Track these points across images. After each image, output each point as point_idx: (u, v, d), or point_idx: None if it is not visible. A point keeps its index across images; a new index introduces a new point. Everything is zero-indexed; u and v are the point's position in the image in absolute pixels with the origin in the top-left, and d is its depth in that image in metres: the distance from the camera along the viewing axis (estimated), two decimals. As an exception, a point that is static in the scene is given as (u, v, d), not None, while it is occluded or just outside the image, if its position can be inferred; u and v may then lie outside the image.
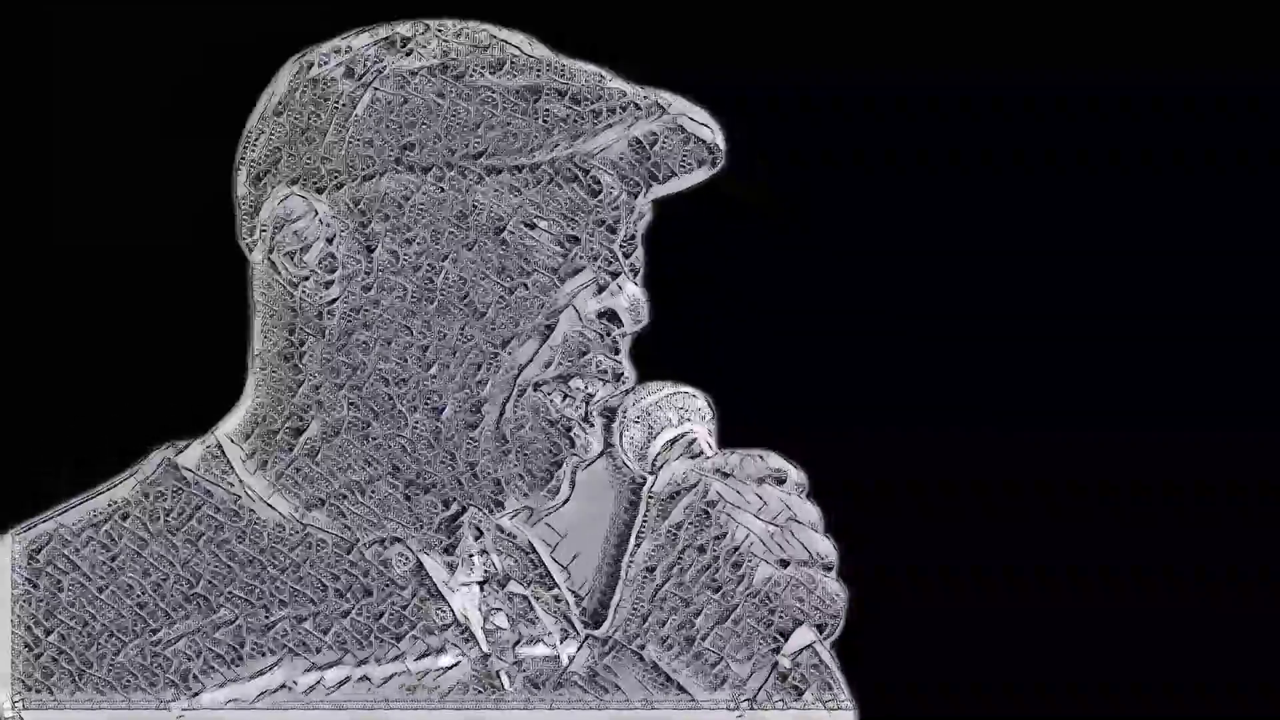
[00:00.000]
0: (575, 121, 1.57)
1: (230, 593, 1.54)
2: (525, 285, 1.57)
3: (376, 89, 1.57)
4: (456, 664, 1.57)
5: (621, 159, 1.58)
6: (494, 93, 1.57)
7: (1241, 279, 2.12)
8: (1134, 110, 2.11)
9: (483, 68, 1.58)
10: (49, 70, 2.00)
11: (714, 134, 1.61)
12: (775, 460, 1.60)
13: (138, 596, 1.52)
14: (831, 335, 2.06)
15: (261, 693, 1.52)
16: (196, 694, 1.51)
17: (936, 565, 2.06)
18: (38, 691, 1.50)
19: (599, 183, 1.58)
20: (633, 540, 1.58)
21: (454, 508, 1.59)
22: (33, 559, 1.53)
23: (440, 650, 1.57)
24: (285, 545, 1.57)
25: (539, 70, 1.58)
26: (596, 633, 1.57)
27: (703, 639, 1.54)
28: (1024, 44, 2.11)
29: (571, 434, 1.59)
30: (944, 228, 2.09)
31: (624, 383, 1.61)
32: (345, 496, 1.59)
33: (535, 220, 1.57)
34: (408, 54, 1.58)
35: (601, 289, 1.58)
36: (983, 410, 2.09)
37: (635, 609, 1.55)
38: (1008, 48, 2.11)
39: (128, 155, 1.98)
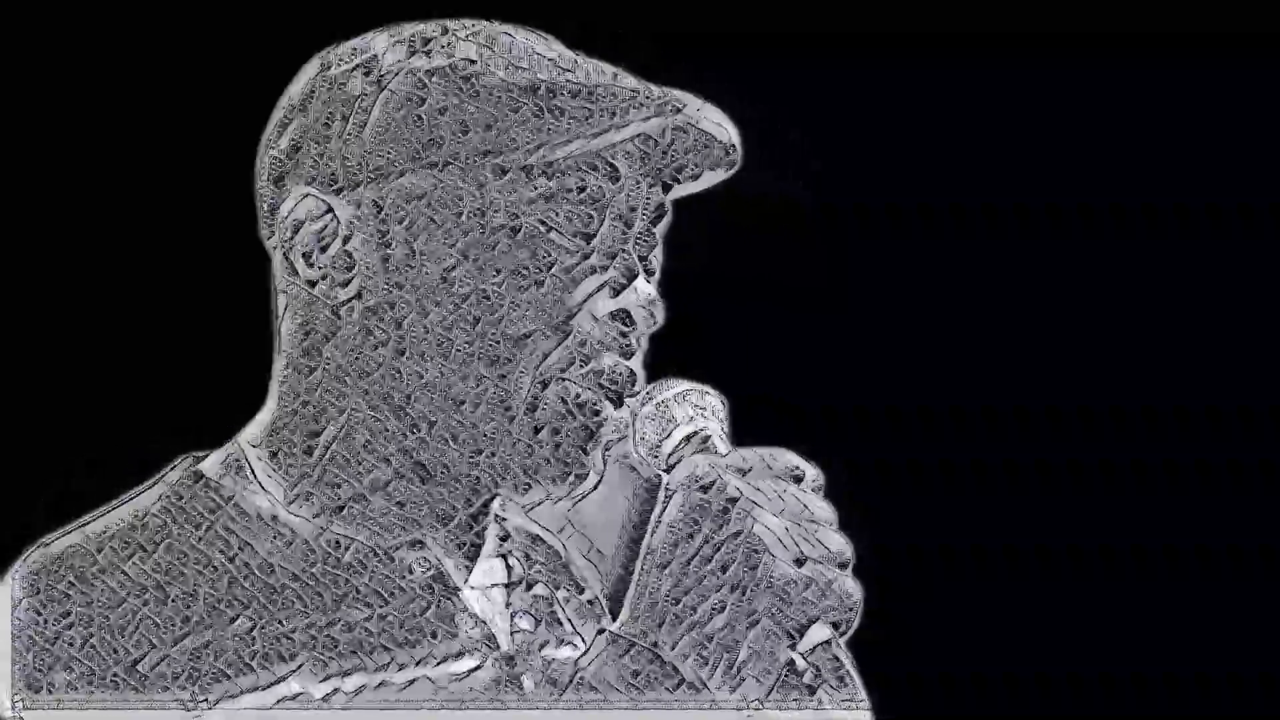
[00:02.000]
0: (586, 119, 1.57)
1: (249, 600, 1.54)
2: (538, 284, 1.57)
3: (393, 89, 1.58)
4: (478, 667, 1.57)
5: (637, 156, 1.59)
6: (503, 92, 1.58)
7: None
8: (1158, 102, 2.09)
9: (493, 67, 1.58)
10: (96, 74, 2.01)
11: (730, 134, 1.61)
12: (791, 458, 1.59)
13: (158, 606, 1.53)
14: (836, 334, 2.05)
15: (279, 700, 1.52)
16: (215, 703, 1.52)
17: (947, 561, 2.05)
18: (46, 692, 1.51)
19: (616, 170, 1.58)
20: (648, 535, 1.57)
21: (478, 503, 1.59)
22: (54, 572, 1.54)
23: (460, 655, 1.56)
24: (304, 552, 1.57)
25: (551, 69, 1.59)
26: (610, 627, 1.57)
27: (717, 634, 1.54)
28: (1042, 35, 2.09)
29: (599, 412, 1.58)
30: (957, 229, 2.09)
31: (637, 385, 1.60)
32: (365, 499, 1.59)
33: (549, 222, 1.57)
34: (426, 54, 1.58)
35: (617, 291, 1.58)
36: (993, 406, 2.08)
37: (649, 604, 1.55)
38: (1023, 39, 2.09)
39: (139, 153, 1.99)
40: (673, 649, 1.54)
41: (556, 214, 1.57)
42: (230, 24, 1.99)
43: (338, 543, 1.57)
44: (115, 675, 1.51)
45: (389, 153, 1.57)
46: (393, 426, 1.58)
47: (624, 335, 1.58)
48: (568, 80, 1.58)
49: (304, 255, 1.58)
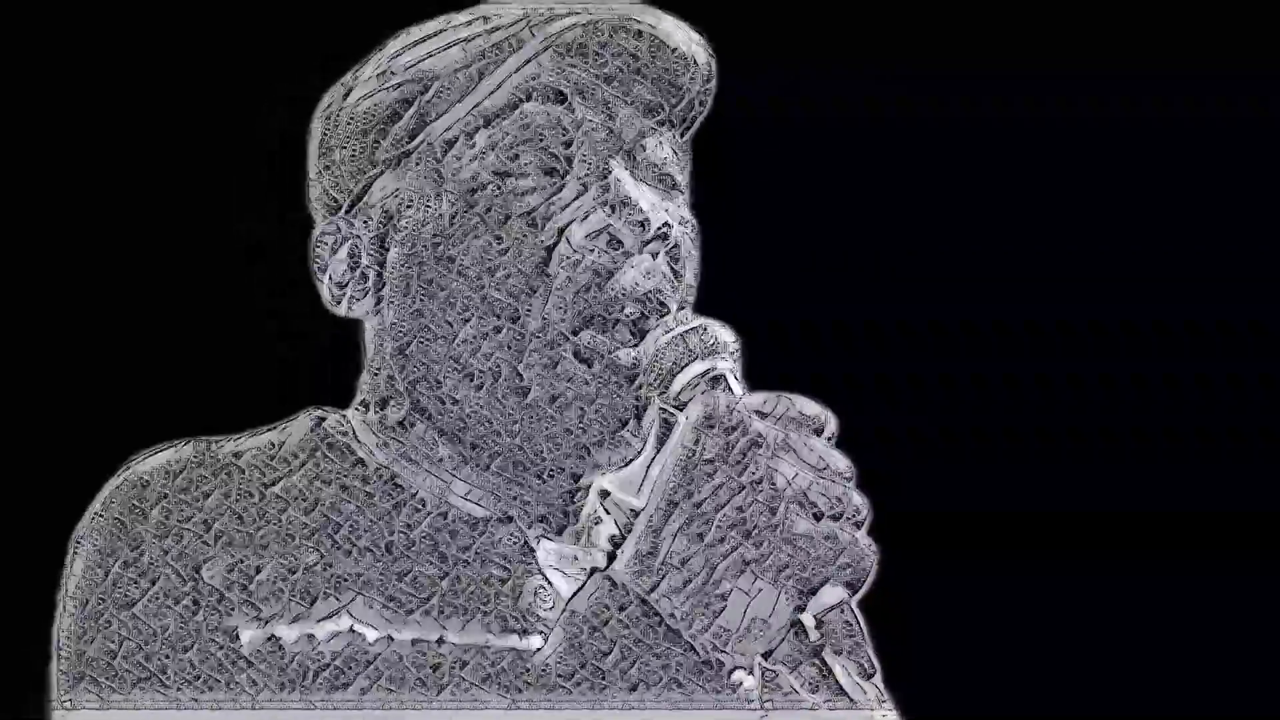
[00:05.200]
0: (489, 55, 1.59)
1: (324, 536, 1.55)
2: (502, 237, 1.56)
3: (341, 109, 1.62)
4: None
5: (570, 78, 1.58)
6: (406, 71, 1.60)
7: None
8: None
9: (401, 55, 1.61)
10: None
11: (690, 46, 1.60)
12: (813, 406, 1.52)
13: (242, 523, 1.55)
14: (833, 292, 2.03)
15: (333, 635, 1.50)
16: (266, 621, 1.51)
17: (954, 521, 2.02)
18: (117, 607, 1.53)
19: (561, 94, 1.57)
20: (658, 470, 1.50)
21: (559, 480, 1.58)
22: (162, 479, 1.57)
23: (527, 631, 1.54)
24: (400, 508, 1.57)
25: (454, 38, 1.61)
26: (612, 571, 1.50)
27: (724, 583, 1.46)
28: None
29: (635, 372, 1.56)
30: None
31: (666, 311, 1.57)
32: (446, 466, 1.59)
33: (504, 170, 1.57)
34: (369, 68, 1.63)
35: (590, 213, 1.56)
36: (999, 360, 2.06)
37: (652, 545, 1.48)
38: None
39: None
40: (669, 598, 1.47)
41: (510, 162, 1.57)
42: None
43: (424, 501, 1.58)
44: (181, 573, 1.52)
45: (354, 167, 1.61)
46: (440, 418, 1.59)
47: (619, 257, 1.55)
48: (458, 37, 1.60)
49: (335, 282, 1.61)
